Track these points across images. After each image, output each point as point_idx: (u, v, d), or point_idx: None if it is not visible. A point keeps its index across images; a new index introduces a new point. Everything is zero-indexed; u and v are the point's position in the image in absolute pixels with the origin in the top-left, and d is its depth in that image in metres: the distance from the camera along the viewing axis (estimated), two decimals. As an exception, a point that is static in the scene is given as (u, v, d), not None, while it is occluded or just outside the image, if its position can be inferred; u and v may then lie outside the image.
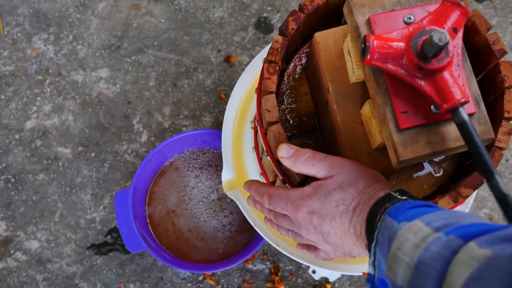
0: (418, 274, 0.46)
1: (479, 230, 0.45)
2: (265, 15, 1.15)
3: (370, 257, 0.55)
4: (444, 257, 0.44)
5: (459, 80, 0.56)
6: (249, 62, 1.09)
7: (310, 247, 0.69)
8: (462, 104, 0.53)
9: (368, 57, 0.54)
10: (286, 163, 0.63)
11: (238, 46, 1.14)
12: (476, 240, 0.43)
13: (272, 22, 1.15)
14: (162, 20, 1.15)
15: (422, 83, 0.54)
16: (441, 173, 0.72)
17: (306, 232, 0.62)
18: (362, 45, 0.55)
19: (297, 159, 0.62)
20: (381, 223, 0.53)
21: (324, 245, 0.63)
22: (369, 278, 0.55)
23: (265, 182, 0.82)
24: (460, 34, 0.56)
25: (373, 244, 0.54)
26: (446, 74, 0.54)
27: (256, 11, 1.15)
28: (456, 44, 0.56)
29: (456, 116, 0.53)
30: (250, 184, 0.71)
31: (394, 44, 0.54)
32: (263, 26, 1.15)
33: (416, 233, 0.48)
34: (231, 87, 1.12)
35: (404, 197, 0.56)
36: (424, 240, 0.47)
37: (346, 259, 0.87)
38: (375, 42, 0.54)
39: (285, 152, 0.63)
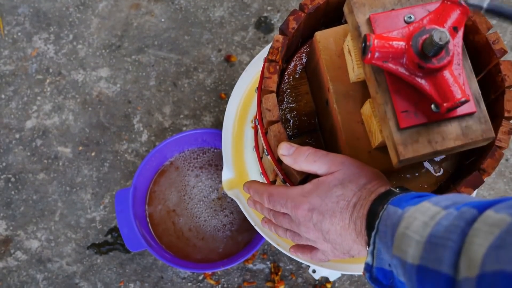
0: (431, 248, 0.45)
1: (491, 201, 0.45)
2: (265, 14, 1.15)
3: (369, 247, 0.54)
4: (459, 227, 0.44)
5: (460, 79, 0.56)
6: (250, 61, 1.09)
7: (306, 249, 0.69)
8: (463, 103, 0.53)
9: (369, 56, 0.54)
10: (287, 160, 0.63)
11: (239, 45, 1.14)
12: (492, 208, 0.43)
13: (272, 22, 1.15)
14: (163, 20, 1.15)
15: (423, 82, 0.54)
16: (441, 172, 0.72)
17: (305, 230, 0.62)
18: (363, 44, 0.55)
19: (298, 156, 0.62)
20: (383, 212, 0.53)
21: (323, 243, 0.63)
22: (367, 268, 0.55)
23: (265, 181, 0.82)
24: (461, 33, 0.56)
25: (373, 233, 0.54)
26: (446, 73, 0.54)
27: (257, 10, 1.15)
28: (456, 43, 0.56)
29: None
30: (250, 184, 0.71)
31: (395, 43, 0.54)
32: (263, 25, 1.15)
33: (424, 213, 0.48)
34: (231, 87, 1.12)
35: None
36: (433, 218, 0.47)
37: (346, 258, 0.87)
38: (376, 41, 0.54)
39: (285, 150, 0.63)
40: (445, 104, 0.53)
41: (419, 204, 0.50)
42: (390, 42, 0.54)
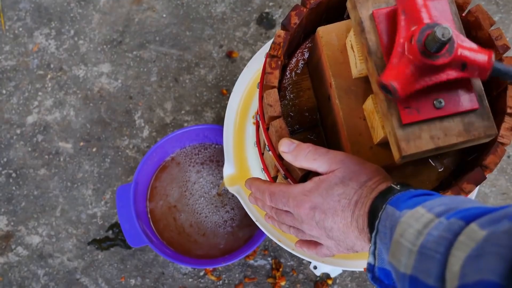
0: (422, 259, 0.46)
1: (479, 212, 0.45)
2: (267, 10, 1.15)
3: (370, 247, 0.55)
4: (447, 239, 0.44)
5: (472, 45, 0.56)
6: (251, 57, 1.09)
7: (311, 244, 0.69)
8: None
9: (398, 96, 0.54)
10: (287, 157, 0.63)
11: (240, 41, 1.14)
12: (477, 221, 0.43)
13: (274, 18, 1.15)
14: (164, 15, 1.15)
15: (447, 74, 0.54)
16: (442, 168, 0.72)
17: (308, 227, 0.62)
18: (386, 93, 0.55)
19: (298, 154, 0.62)
20: (382, 213, 0.53)
21: (327, 240, 0.63)
22: (369, 267, 0.55)
23: (266, 177, 0.82)
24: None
25: (373, 234, 0.54)
26: (461, 51, 0.53)
27: (258, 6, 1.15)
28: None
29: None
30: (251, 182, 0.71)
31: (408, 68, 0.54)
32: (265, 21, 1.14)
33: (418, 220, 0.48)
34: (232, 83, 1.12)
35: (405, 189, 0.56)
36: (426, 226, 0.47)
37: (348, 254, 0.87)
38: (397, 85, 0.54)
39: (286, 146, 0.63)
40: (484, 72, 0.54)
41: (414, 209, 0.50)
42: (405, 72, 0.54)
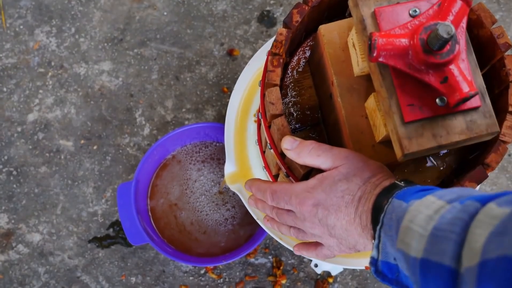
0: (435, 241, 0.45)
1: (494, 195, 0.45)
2: (268, 8, 1.15)
3: (374, 240, 0.54)
4: (462, 220, 0.44)
5: (465, 72, 0.56)
6: (252, 55, 1.09)
7: (310, 246, 0.68)
8: (472, 96, 0.53)
9: (374, 54, 0.54)
10: (290, 154, 0.63)
11: (241, 39, 1.14)
12: (495, 201, 0.43)
13: (275, 16, 1.15)
14: (165, 13, 1.15)
15: (430, 76, 0.54)
16: (444, 167, 0.72)
17: (310, 225, 0.62)
18: (368, 43, 0.54)
19: (302, 150, 0.62)
20: (388, 206, 0.53)
21: (329, 238, 0.63)
22: (372, 261, 0.55)
23: (268, 175, 0.82)
24: (464, 24, 0.56)
25: (378, 227, 0.53)
26: (453, 67, 0.54)
27: (259, 4, 1.15)
28: (460, 36, 0.56)
29: None
30: (252, 182, 0.70)
31: (399, 40, 0.54)
32: (266, 19, 1.14)
33: (428, 206, 0.48)
34: (233, 81, 1.11)
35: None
36: (438, 211, 0.47)
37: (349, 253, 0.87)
38: (380, 40, 0.54)
39: (289, 144, 0.63)
40: (453, 98, 0.53)
41: (424, 197, 0.50)
42: (395, 40, 0.54)
